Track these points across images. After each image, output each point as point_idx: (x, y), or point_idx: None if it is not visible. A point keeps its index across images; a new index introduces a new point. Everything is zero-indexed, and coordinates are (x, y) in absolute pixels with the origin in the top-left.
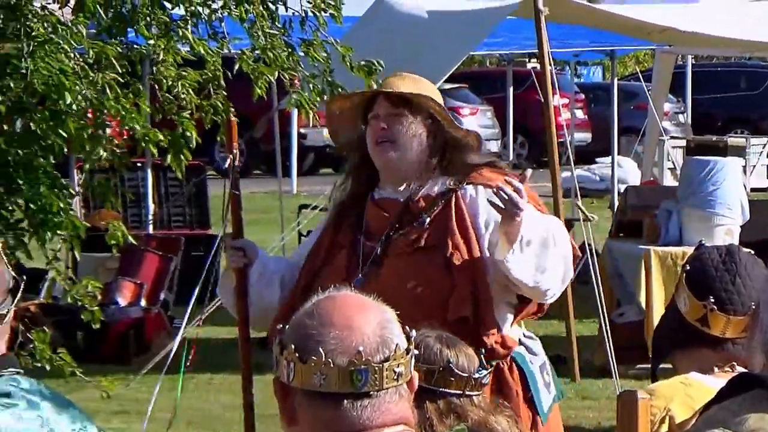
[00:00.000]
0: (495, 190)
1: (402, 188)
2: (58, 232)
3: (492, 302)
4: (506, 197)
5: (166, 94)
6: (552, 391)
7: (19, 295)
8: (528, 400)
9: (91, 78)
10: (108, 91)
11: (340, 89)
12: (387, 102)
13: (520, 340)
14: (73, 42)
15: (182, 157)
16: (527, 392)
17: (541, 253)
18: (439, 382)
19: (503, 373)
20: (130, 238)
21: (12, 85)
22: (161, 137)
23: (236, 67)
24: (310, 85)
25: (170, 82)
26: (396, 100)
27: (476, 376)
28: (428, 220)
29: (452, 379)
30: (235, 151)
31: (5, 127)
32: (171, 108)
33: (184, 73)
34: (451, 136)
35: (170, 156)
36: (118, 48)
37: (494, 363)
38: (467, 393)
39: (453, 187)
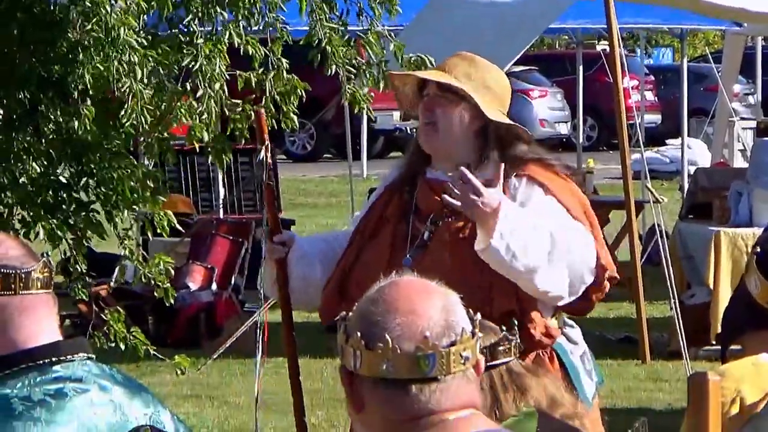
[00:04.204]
0: (454, 173)
1: (453, 172)
2: (134, 207)
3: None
4: (464, 180)
5: (219, 92)
6: (594, 377)
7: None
8: (570, 388)
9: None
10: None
11: None
12: (435, 84)
13: (560, 328)
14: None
15: (224, 155)
16: (568, 381)
17: (529, 252)
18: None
19: (544, 363)
20: (175, 223)
21: (84, 72)
22: (204, 135)
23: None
24: (367, 73)
25: (238, 43)
26: (443, 83)
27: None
28: None
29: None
30: (266, 142)
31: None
32: (227, 104)
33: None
34: (495, 124)
35: (212, 154)
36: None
37: (536, 353)
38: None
39: None
